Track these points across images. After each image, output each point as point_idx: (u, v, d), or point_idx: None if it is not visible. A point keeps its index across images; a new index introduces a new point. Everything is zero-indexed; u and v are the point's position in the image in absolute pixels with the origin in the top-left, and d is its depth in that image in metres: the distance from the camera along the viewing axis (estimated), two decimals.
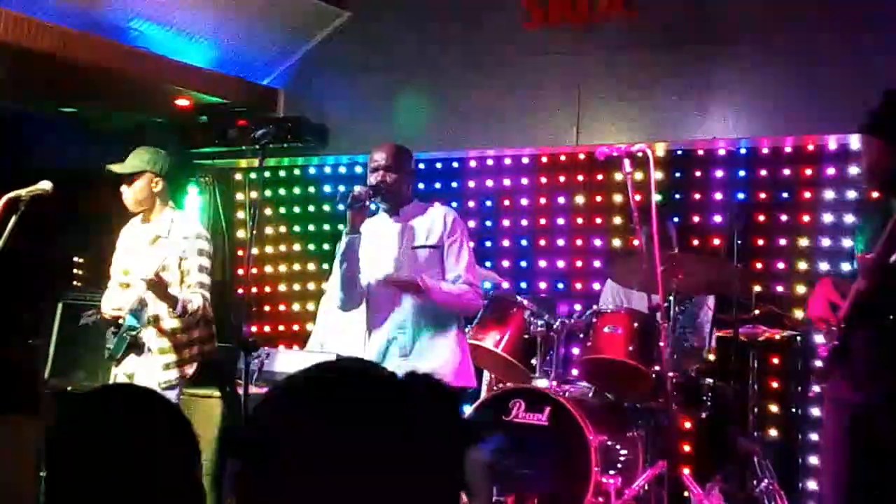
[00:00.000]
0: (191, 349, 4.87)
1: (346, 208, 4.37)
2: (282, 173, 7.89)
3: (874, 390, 3.70)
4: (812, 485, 5.64)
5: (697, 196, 6.49)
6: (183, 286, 4.81)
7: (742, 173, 6.32)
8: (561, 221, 6.92)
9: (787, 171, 6.20)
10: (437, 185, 7.26)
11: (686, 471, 5.09)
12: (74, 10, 6.03)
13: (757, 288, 5.75)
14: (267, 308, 7.91)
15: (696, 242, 6.36)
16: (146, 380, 4.71)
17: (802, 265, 6.11)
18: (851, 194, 5.91)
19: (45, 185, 4.67)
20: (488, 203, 7.16)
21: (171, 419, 1.62)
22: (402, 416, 1.24)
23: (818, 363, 4.03)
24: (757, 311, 5.50)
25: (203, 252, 4.92)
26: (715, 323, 5.69)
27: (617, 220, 6.68)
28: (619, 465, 5.03)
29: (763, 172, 6.27)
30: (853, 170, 5.80)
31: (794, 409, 6.01)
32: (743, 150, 6.30)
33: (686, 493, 5.00)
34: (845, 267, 5.45)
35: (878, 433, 3.67)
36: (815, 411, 5.69)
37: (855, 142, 5.41)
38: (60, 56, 5.97)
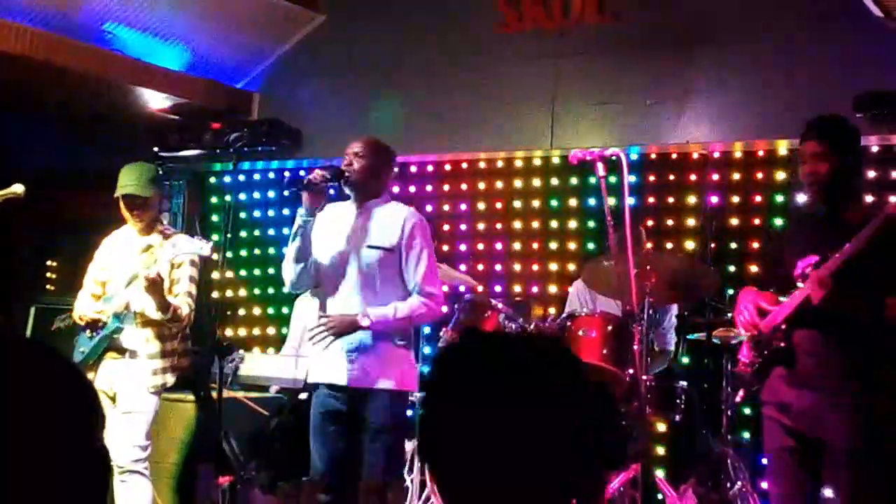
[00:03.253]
0: (173, 359, 4.85)
1: (299, 190, 4.27)
2: (256, 176, 7.86)
3: (821, 392, 3.73)
4: None
5: (671, 199, 6.53)
6: (171, 294, 4.79)
7: (715, 177, 6.35)
8: (535, 224, 6.94)
9: (760, 175, 6.25)
10: (412, 189, 7.26)
11: (660, 473, 5.11)
12: (48, 12, 6.00)
13: (730, 291, 5.78)
14: (241, 312, 7.88)
15: (669, 245, 6.40)
16: (131, 383, 4.69)
17: None
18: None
19: (17, 188, 4.63)
20: (463, 206, 7.17)
21: (64, 375, 1.50)
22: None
23: (743, 367, 4.03)
24: (730, 315, 5.52)
25: (195, 263, 4.89)
26: (681, 329, 5.71)
27: (591, 224, 6.71)
28: None
29: (736, 176, 6.31)
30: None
31: None
32: (717, 154, 6.34)
33: (660, 496, 5.02)
34: None
35: (825, 433, 3.70)
36: None
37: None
38: (33, 59, 5.94)
